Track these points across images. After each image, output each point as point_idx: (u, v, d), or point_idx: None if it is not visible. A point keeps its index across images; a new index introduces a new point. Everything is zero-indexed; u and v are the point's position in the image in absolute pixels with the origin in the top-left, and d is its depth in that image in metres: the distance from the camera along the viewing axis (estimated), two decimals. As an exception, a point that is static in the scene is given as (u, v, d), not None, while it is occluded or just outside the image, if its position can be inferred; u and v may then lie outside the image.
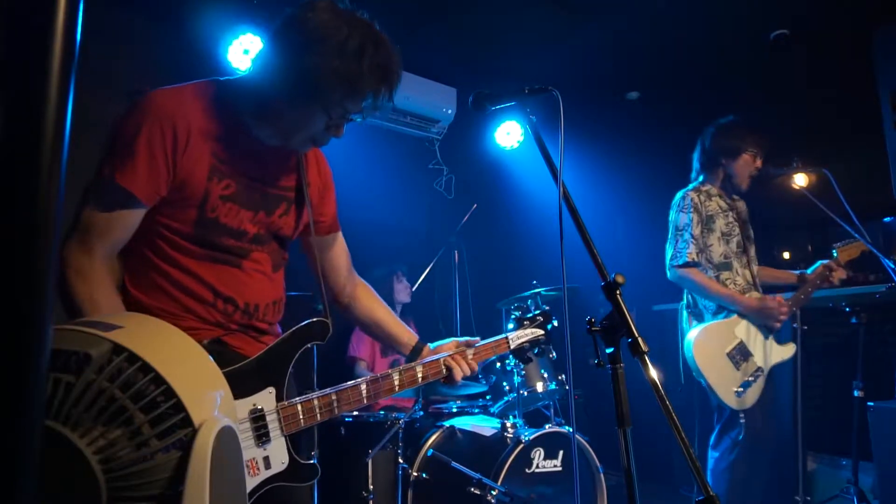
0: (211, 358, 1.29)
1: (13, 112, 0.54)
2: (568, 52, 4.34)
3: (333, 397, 1.51)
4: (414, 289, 4.19)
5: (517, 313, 2.07)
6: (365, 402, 1.58)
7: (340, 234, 1.82)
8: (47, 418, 1.04)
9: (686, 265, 3.02)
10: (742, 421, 2.91)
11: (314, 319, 1.52)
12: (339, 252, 1.81)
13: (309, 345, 1.52)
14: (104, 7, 3.46)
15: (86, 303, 1.33)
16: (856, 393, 3.47)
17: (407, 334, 1.86)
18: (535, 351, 2.03)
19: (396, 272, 4.14)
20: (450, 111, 4.64)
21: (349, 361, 4.00)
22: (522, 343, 1.98)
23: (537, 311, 2.10)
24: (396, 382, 1.66)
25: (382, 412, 3.46)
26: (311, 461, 1.46)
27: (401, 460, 3.02)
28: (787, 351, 3.09)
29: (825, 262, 3.11)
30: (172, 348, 1.24)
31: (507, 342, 1.94)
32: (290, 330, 1.48)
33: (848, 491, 3.52)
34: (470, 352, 1.80)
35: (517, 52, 4.37)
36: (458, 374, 1.76)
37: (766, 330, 3.01)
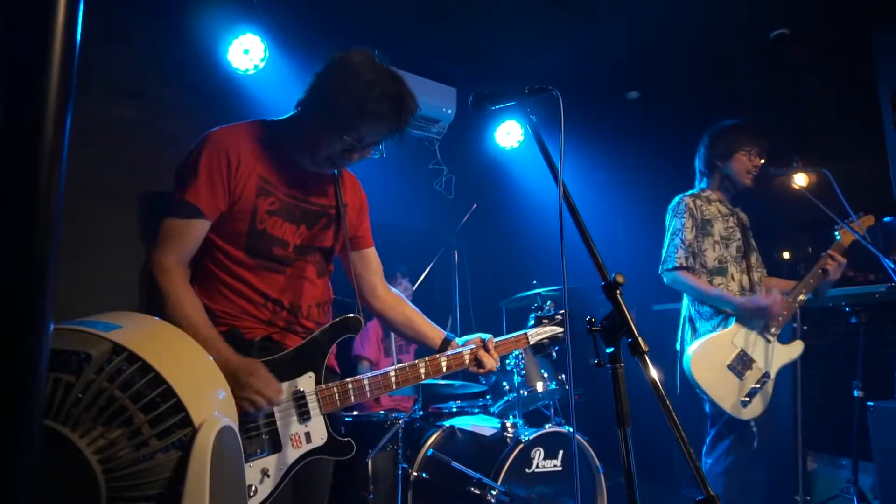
0: (211, 358, 1.29)
1: (13, 112, 0.54)
2: (568, 52, 4.34)
3: (366, 381, 1.74)
4: (414, 288, 4.19)
5: (537, 313, 2.18)
6: (394, 387, 1.79)
7: (374, 248, 2.08)
8: (47, 418, 1.05)
9: (675, 269, 3.01)
10: (754, 430, 2.86)
11: (349, 315, 1.76)
12: (373, 264, 2.07)
13: (345, 336, 1.75)
14: (104, 7, 3.47)
15: (171, 296, 1.57)
16: (856, 393, 3.47)
17: (435, 331, 2.04)
18: (556, 348, 2.16)
19: (395, 274, 4.13)
20: (450, 111, 4.63)
21: (353, 360, 4.01)
22: (542, 339, 2.14)
23: (556, 311, 2.20)
24: (423, 371, 1.86)
25: (382, 412, 3.46)
26: (347, 438, 1.69)
27: (401, 460, 3.02)
28: (793, 350, 3.02)
29: (826, 253, 3.06)
30: (172, 348, 1.24)
31: (527, 338, 2.11)
32: (328, 323, 1.74)
33: (848, 491, 3.51)
34: (492, 346, 1.98)
35: (517, 52, 4.37)
36: (490, 365, 1.94)
37: (766, 333, 2.98)
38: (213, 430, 1.11)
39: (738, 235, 3.11)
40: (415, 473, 3.05)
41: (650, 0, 3.78)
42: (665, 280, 3.10)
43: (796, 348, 3.04)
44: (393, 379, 1.80)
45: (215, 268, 1.71)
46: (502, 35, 4.18)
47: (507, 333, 2.10)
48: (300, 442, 1.60)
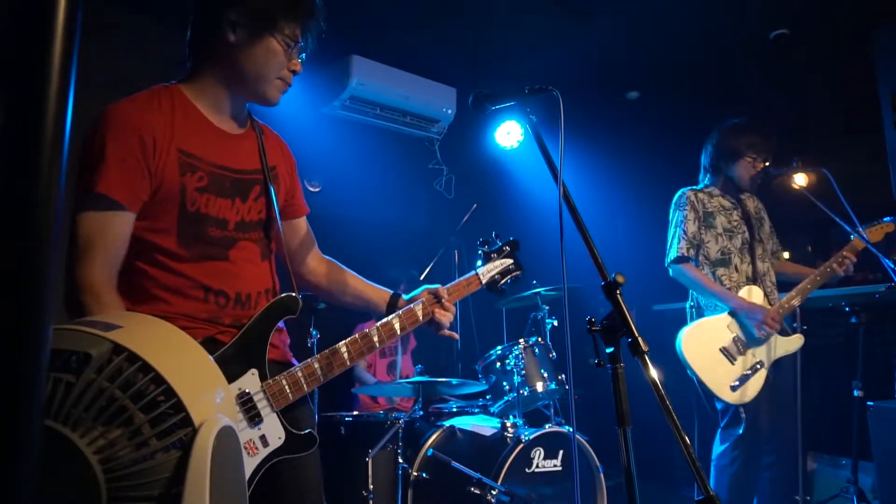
0: (211, 357, 1.29)
1: (13, 112, 0.54)
2: (568, 52, 4.34)
3: (316, 366, 1.55)
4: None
5: (482, 248, 2.04)
6: (348, 364, 1.60)
7: (305, 217, 1.87)
8: (47, 418, 1.05)
9: (677, 260, 3.06)
10: (743, 416, 2.89)
11: (283, 295, 1.55)
12: (304, 234, 1.86)
13: (282, 320, 1.56)
14: (105, 7, 3.47)
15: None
16: (856, 393, 3.47)
17: (378, 292, 1.88)
18: (509, 281, 2.02)
19: (400, 283, 4.11)
20: (450, 111, 4.64)
21: None
22: (493, 275, 1.99)
23: (502, 242, 2.07)
24: (376, 339, 1.67)
25: (382, 412, 3.46)
26: (307, 430, 1.50)
27: (401, 460, 3.02)
28: (793, 343, 3.03)
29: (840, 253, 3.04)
30: (172, 348, 1.24)
31: (478, 277, 1.96)
32: (262, 310, 1.51)
33: (848, 491, 3.52)
34: (445, 294, 1.83)
35: (517, 52, 4.37)
36: (444, 319, 1.80)
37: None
38: (214, 430, 1.11)
39: (744, 228, 3.13)
40: (415, 473, 3.05)
41: (650, 0, 3.78)
42: (670, 273, 3.14)
43: (795, 342, 3.05)
44: (345, 355, 1.60)
45: (144, 265, 1.48)
46: (502, 35, 4.18)
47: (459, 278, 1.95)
48: (255, 448, 1.41)
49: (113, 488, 1.05)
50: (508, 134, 5.02)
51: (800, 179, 3.49)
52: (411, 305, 1.78)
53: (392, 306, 1.84)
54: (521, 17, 3.98)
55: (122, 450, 1.06)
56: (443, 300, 1.82)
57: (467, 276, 1.96)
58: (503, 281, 2.01)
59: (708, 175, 3.26)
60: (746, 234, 3.14)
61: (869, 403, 3.21)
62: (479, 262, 2.02)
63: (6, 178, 0.54)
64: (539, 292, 3.59)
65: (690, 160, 3.38)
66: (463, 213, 4.12)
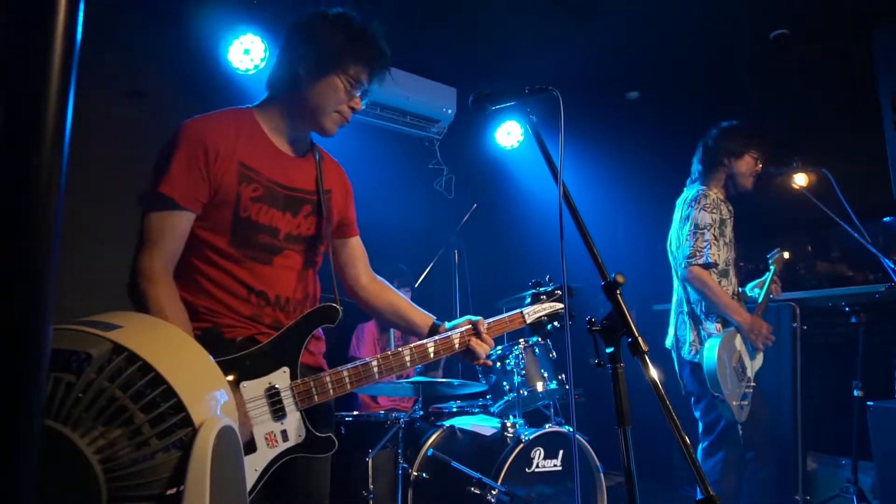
0: (211, 357, 1.29)
1: (13, 112, 0.54)
2: (568, 52, 4.34)
3: (345, 374, 1.66)
4: (417, 285, 4.18)
5: (534, 289, 2.03)
6: (377, 377, 1.69)
7: (358, 236, 2.00)
8: (47, 418, 1.05)
9: (707, 265, 2.95)
10: (741, 433, 2.89)
11: (324, 304, 1.68)
12: (358, 252, 1.99)
13: (321, 327, 1.69)
14: (105, 7, 3.46)
15: (151, 301, 1.51)
16: (856, 393, 3.47)
17: (423, 317, 1.95)
18: (557, 325, 2.01)
19: (391, 282, 4.10)
20: (450, 111, 4.64)
21: (349, 361, 4.00)
22: (540, 317, 1.99)
23: (556, 285, 2.06)
24: (408, 359, 1.75)
25: (382, 412, 3.46)
26: (328, 434, 1.61)
27: (401, 460, 3.02)
28: (760, 359, 3.12)
29: (768, 279, 3.15)
30: (173, 348, 1.24)
31: (523, 316, 1.98)
32: (303, 314, 1.65)
33: (848, 490, 3.51)
34: (483, 327, 1.86)
35: (517, 52, 4.37)
36: (480, 350, 1.83)
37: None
38: (214, 430, 1.11)
39: (733, 239, 3.13)
40: (415, 473, 3.05)
41: (650, 0, 3.78)
42: (683, 274, 3.02)
43: (761, 358, 3.13)
44: (375, 369, 1.69)
45: (197, 261, 1.64)
46: (502, 35, 4.19)
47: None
48: (276, 441, 1.51)
49: (113, 488, 1.05)
50: (508, 134, 5.03)
51: (800, 179, 3.49)
52: (449, 333, 1.84)
53: (433, 332, 1.90)
54: (521, 17, 3.98)
55: (122, 450, 1.06)
56: (482, 334, 1.85)
57: (511, 313, 1.98)
58: (551, 323, 2.01)
59: (704, 175, 3.18)
60: (733, 248, 3.14)
61: (869, 403, 3.21)
62: (528, 301, 2.03)
63: (6, 177, 0.54)
64: (538, 292, 3.58)
65: (690, 160, 3.37)
66: (463, 213, 4.12)
